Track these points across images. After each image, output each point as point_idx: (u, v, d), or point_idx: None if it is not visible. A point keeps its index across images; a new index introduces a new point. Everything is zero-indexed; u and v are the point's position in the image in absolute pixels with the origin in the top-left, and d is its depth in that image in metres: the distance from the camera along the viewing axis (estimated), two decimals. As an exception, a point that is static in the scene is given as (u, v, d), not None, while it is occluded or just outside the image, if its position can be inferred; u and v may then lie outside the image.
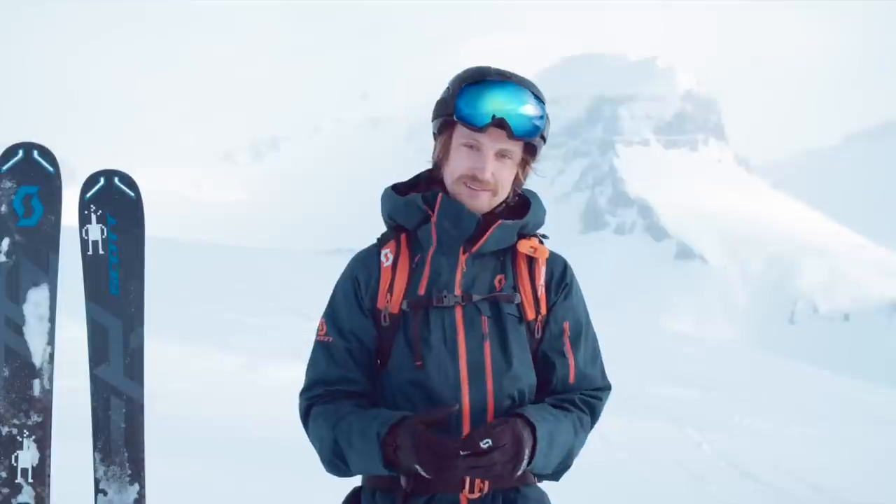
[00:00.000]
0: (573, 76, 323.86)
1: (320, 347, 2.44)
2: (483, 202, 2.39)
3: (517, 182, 2.45)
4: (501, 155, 2.37)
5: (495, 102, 2.32)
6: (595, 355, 2.48)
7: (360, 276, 2.43)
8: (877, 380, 32.30)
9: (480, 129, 2.32)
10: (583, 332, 2.46)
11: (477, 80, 2.36)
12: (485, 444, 2.17)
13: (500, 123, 2.32)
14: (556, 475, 2.41)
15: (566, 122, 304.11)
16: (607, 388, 2.48)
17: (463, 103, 2.34)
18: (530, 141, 2.38)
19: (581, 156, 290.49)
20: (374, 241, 2.49)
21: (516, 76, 2.38)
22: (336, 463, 2.36)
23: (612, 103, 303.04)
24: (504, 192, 2.42)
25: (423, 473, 2.21)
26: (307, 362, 2.48)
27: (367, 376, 2.41)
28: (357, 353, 2.40)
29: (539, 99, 2.37)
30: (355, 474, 2.39)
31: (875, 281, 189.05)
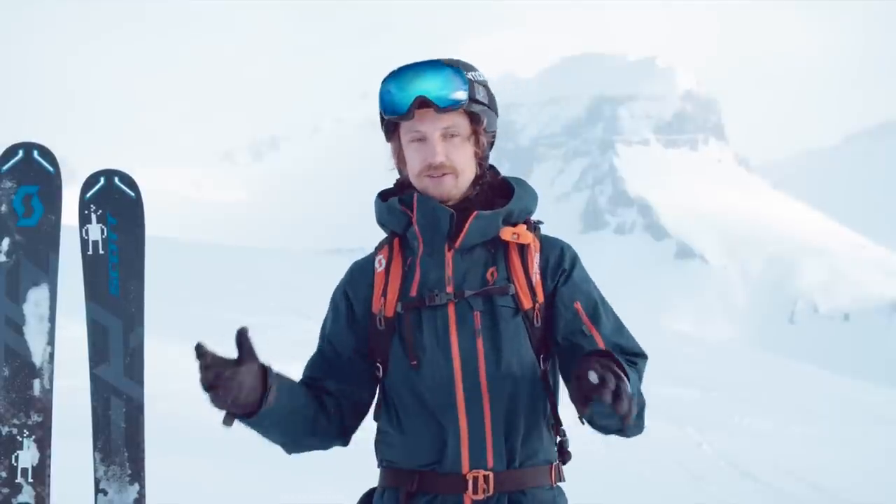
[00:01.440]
0: (573, 76, 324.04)
1: (314, 352, 2.52)
2: (448, 187, 2.37)
3: (478, 157, 2.41)
4: (448, 135, 2.35)
5: (411, 85, 2.32)
6: (619, 325, 2.41)
7: (349, 287, 2.46)
8: (877, 379, 32.32)
9: (406, 115, 2.33)
10: (599, 307, 2.40)
11: (391, 74, 2.38)
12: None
13: (422, 102, 2.31)
14: (639, 423, 2.35)
15: (566, 122, 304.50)
16: (644, 355, 2.41)
17: (385, 100, 2.36)
18: (469, 110, 2.35)
19: (581, 155, 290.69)
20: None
21: (432, 60, 2.38)
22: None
23: (611, 103, 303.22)
24: (466, 170, 2.38)
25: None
26: None
27: (332, 377, 2.42)
28: (329, 355, 2.45)
29: (458, 69, 2.34)
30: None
31: (875, 280, 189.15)
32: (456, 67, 2.34)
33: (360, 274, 2.45)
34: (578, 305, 2.38)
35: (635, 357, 2.39)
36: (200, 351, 2.16)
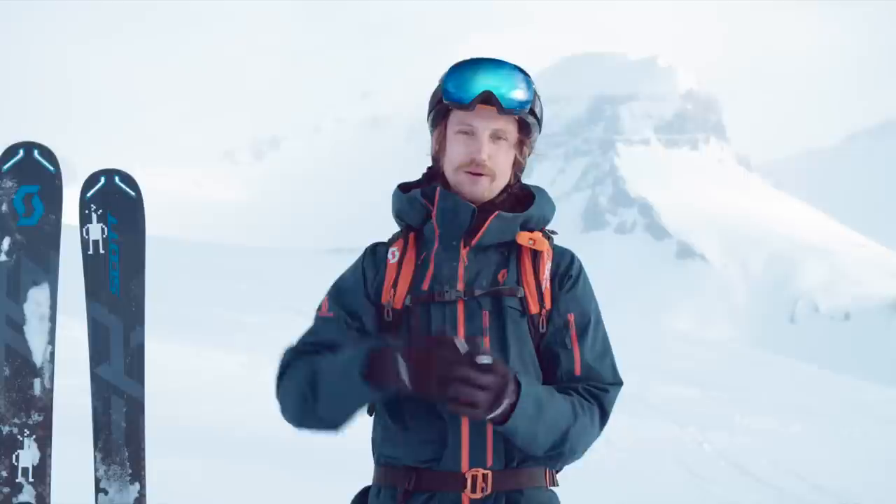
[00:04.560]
0: (573, 75, 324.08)
1: (320, 320, 2.42)
2: (483, 187, 2.38)
3: (517, 166, 2.44)
4: (496, 137, 2.37)
5: (481, 79, 2.33)
6: (604, 352, 2.42)
7: (368, 269, 2.44)
8: (877, 379, 32.30)
9: (469, 106, 2.33)
10: (590, 326, 2.41)
11: (463, 63, 2.39)
12: (485, 359, 2.11)
13: (487, 98, 2.32)
14: (552, 460, 2.34)
15: (567, 122, 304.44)
16: (618, 383, 2.41)
17: (451, 85, 2.36)
18: (523, 118, 2.38)
19: (582, 155, 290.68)
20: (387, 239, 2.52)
21: (503, 60, 2.39)
22: (305, 394, 2.30)
23: (612, 102, 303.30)
24: (503, 176, 2.41)
25: (404, 377, 2.14)
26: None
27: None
28: (351, 326, 2.39)
29: (528, 77, 2.38)
30: (322, 412, 2.30)
31: (876, 280, 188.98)
32: (526, 75, 2.38)
33: (375, 260, 2.45)
34: (571, 318, 2.39)
35: (603, 385, 2.38)
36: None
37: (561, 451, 2.32)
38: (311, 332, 2.43)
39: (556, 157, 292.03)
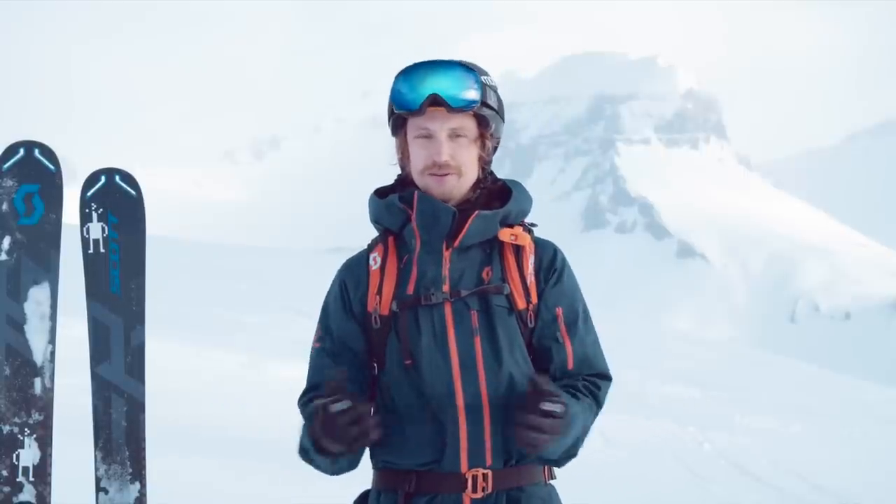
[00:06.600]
0: (574, 75, 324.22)
1: (313, 353, 2.46)
2: (450, 186, 2.38)
3: (482, 160, 2.43)
4: (455, 135, 2.37)
5: (426, 82, 2.34)
6: (595, 343, 2.44)
7: (348, 282, 2.44)
8: (878, 379, 32.32)
9: (418, 111, 2.34)
10: (579, 318, 2.42)
11: (408, 69, 2.39)
12: (557, 407, 2.17)
13: (435, 100, 2.32)
14: (560, 461, 2.36)
15: (567, 121, 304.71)
16: (608, 377, 2.43)
17: (399, 93, 2.37)
18: (479, 112, 2.37)
19: (582, 154, 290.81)
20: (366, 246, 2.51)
21: (448, 59, 2.40)
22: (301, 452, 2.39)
23: (612, 102, 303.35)
24: (469, 172, 2.40)
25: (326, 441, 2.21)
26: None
27: (353, 380, 2.37)
28: (342, 357, 2.40)
29: (473, 71, 2.37)
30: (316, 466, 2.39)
31: (876, 279, 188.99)
32: (471, 69, 2.36)
33: (356, 271, 2.45)
34: (560, 311, 2.40)
35: (599, 379, 2.41)
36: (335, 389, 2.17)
37: (571, 455, 2.36)
38: (309, 369, 2.46)
39: (556, 157, 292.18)
